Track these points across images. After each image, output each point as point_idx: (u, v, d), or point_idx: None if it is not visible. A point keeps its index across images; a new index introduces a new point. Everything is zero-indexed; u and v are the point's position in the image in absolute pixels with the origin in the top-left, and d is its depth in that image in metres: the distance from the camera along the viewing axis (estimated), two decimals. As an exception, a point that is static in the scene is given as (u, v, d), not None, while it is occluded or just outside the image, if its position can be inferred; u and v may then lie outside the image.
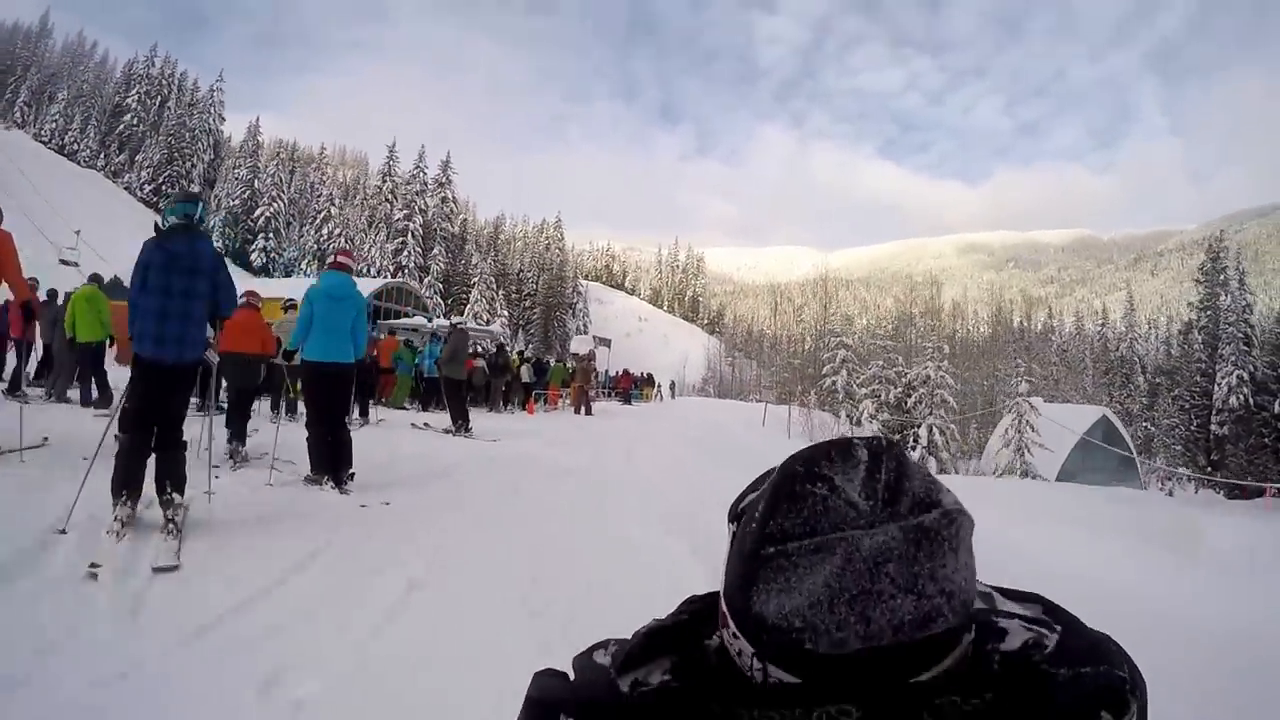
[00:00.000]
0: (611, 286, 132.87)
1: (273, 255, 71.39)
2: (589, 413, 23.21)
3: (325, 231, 72.61)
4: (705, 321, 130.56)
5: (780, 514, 0.67)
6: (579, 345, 56.43)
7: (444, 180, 79.94)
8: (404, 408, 18.05)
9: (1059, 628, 0.73)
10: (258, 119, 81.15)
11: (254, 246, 69.97)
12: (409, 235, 73.88)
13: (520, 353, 30.00)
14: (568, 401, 25.75)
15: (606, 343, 51.39)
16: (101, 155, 76.50)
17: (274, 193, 72.83)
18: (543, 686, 0.82)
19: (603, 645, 0.87)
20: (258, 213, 71.28)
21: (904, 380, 28.59)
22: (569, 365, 29.49)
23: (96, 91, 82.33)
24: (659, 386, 52.13)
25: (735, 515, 0.77)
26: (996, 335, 63.55)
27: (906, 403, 27.85)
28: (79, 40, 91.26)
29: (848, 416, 28.10)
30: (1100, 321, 69.44)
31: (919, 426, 26.43)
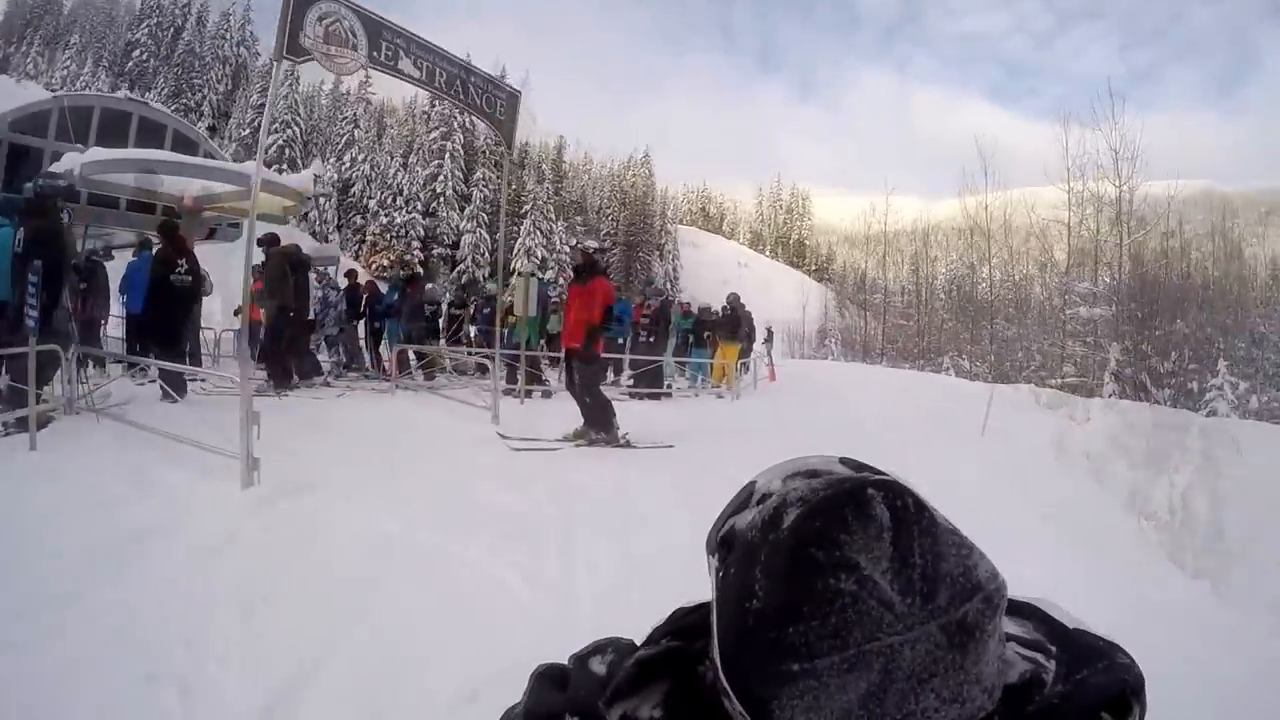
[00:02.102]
0: (709, 230, 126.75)
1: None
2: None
3: (347, 159, 69.07)
4: (812, 267, 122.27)
5: (802, 619, 0.63)
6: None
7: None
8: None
9: (1055, 647, 0.75)
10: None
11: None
12: (446, 157, 69.62)
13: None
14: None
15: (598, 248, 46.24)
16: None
17: (287, 117, 68.62)
18: (540, 699, 0.86)
19: (600, 650, 0.90)
20: (269, 141, 67.25)
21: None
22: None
23: (108, 31, 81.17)
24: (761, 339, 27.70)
25: (719, 545, 0.74)
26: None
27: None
28: None
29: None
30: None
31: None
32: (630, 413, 9.99)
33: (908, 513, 0.66)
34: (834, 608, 0.62)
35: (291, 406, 10.02)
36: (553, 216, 71.70)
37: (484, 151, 69.13)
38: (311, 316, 13.69)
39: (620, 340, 16.73)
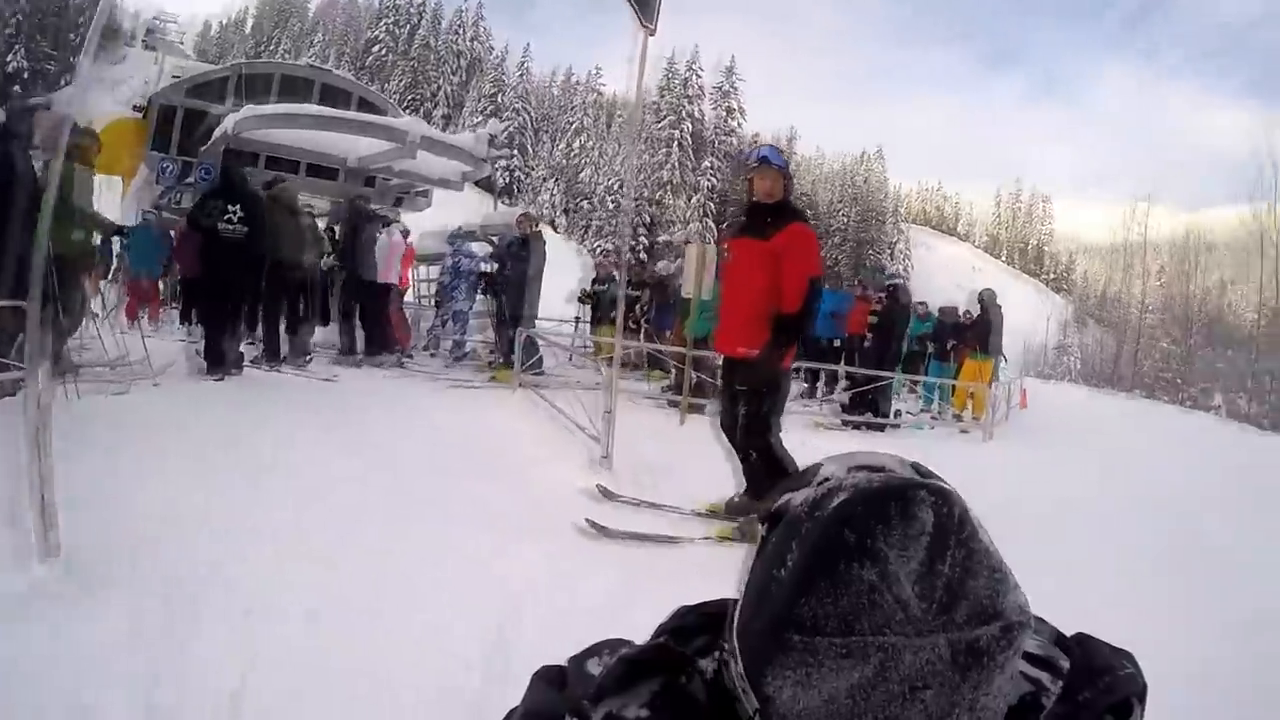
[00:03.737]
0: (943, 232, 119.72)
1: (517, 174, 71.32)
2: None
3: (575, 146, 71.45)
4: (1050, 277, 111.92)
5: (816, 594, 0.64)
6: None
7: (728, 89, 73.75)
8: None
9: (1065, 662, 0.75)
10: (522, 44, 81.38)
11: (496, 165, 68.29)
12: (674, 145, 69.22)
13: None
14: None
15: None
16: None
17: (517, 105, 72.82)
18: (538, 701, 0.87)
19: (597, 652, 0.89)
20: (500, 128, 69.21)
21: None
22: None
23: (349, 30, 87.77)
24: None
25: (770, 516, 0.76)
26: None
27: None
28: None
29: None
30: None
31: None
32: (833, 452, 6.28)
33: (951, 521, 0.67)
34: (849, 592, 0.62)
35: (328, 396, 8.61)
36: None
37: (713, 142, 69.46)
38: (391, 281, 11.83)
39: (833, 341, 13.21)
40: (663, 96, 71.14)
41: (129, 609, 3.13)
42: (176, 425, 5.97)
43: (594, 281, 15.18)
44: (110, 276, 15.60)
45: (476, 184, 60.80)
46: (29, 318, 3.85)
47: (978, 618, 0.63)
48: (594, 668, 0.84)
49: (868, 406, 11.21)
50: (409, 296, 16.27)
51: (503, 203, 58.82)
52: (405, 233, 14.94)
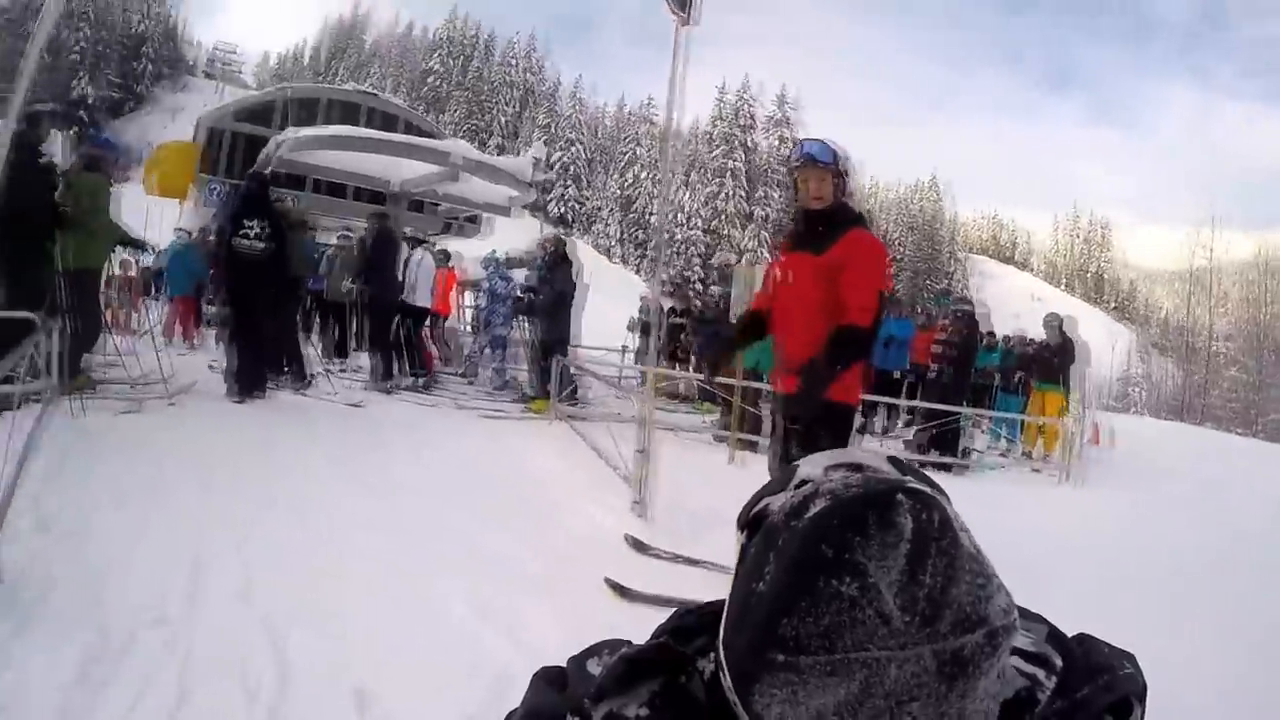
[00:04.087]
0: (1000, 260, 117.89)
1: (572, 204, 72.18)
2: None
3: (630, 176, 72.02)
4: (1112, 305, 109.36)
5: (797, 613, 0.63)
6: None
7: (781, 118, 73.42)
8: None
9: (1060, 659, 0.76)
10: (575, 76, 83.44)
11: (551, 196, 69.11)
12: (727, 176, 69.21)
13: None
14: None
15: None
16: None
17: (571, 135, 73.55)
18: (539, 701, 0.86)
19: (597, 652, 0.90)
20: (554, 159, 70.55)
21: None
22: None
23: (405, 60, 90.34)
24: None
25: (748, 522, 0.75)
26: None
27: None
28: (394, 20, 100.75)
29: None
30: None
31: None
32: None
33: (931, 527, 0.66)
34: (830, 609, 0.62)
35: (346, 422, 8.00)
36: (839, 240, 68.77)
37: (766, 170, 68.84)
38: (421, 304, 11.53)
39: (897, 374, 12.21)
40: (716, 126, 71.76)
41: (58, 642, 2.91)
42: (171, 449, 5.67)
43: (642, 310, 14.78)
44: (152, 294, 15.64)
45: (530, 213, 62.04)
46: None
47: (961, 626, 0.63)
48: (594, 667, 0.84)
49: (935, 444, 10.26)
50: (453, 321, 15.99)
51: (560, 233, 59.34)
52: (445, 255, 14.61)
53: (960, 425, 10.49)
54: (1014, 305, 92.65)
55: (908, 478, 0.72)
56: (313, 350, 10.54)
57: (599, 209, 72.06)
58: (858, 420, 11.71)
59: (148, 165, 26.12)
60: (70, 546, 3.77)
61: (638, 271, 62.36)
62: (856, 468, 0.74)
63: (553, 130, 75.06)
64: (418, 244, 12.04)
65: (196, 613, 3.23)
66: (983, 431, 12.46)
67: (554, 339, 10.33)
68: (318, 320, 14.03)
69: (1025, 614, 0.77)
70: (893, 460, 0.77)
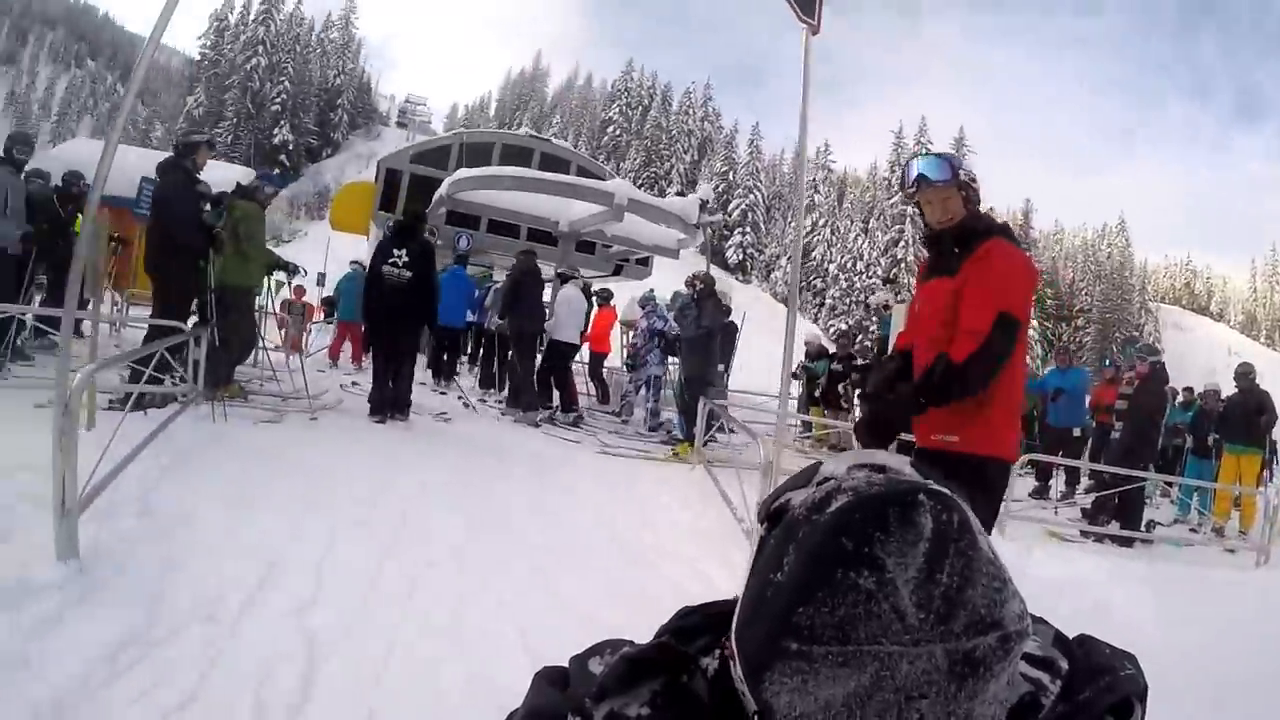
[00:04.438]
0: (1194, 310, 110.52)
1: (750, 251, 72.67)
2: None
3: (808, 223, 70.54)
4: None
5: (813, 603, 0.64)
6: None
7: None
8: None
9: (1064, 662, 0.77)
10: (750, 125, 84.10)
11: (729, 243, 69.24)
12: (907, 221, 67.53)
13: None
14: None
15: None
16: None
17: (749, 182, 74.00)
18: (540, 700, 0.85)
19: (599, 651, 0.89)
20: (732, 206, 70.67)
21: None
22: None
23: (584, 111, 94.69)
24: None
25: (770, 515, 0.76)
26: None
27: None
28: (573, 72, 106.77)
29: None
30: None
31: None
32: (1069, 581, 5.35)
33: (951, 528, 0.66)
34: (846, 600, 0.62)
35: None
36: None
37: None
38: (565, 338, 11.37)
39: (1077, 432, 11.05)
40: (893, 170, 70.25)
41: (106, 619, 3.02)
42: (293, 460, 5.81)
43: (806, 356, 14.39)
44: (326, 319, 16.49)
45: (713, 260, 62.15)
46: (63, 328, 3.95)
47: (975, 628, 0.63)
48: (596, 667, 0.84)
49: (1115, 513, 8.99)
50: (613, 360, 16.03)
51: (735, 278, 59.62)
52: (606, 294, 14.68)
53: (1144, 493, 9.22)
54: (1208, 359, 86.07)
55: (930, 481, 0.72)
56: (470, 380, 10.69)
57: (776, 257, 71.86)
58: (1028, 483, 11.10)
59: (333, 203, 28.03)
60: (160, 535, 3.91)
61: (815, 320, 61.64)
62: (879, 468, 0.74)
63: (730, 178, 75.96)
64: (565, 280, 11.98)
65: (246, 619, 3.25)
66: (1171, 501, 11.17)
67: (696, 377, 10.04)
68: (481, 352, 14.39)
69: (1032, 617, 0.74)
70: (915, 465, 0.76)
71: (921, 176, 3.33)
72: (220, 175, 9.81)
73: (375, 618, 3.48)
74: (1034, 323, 52.98)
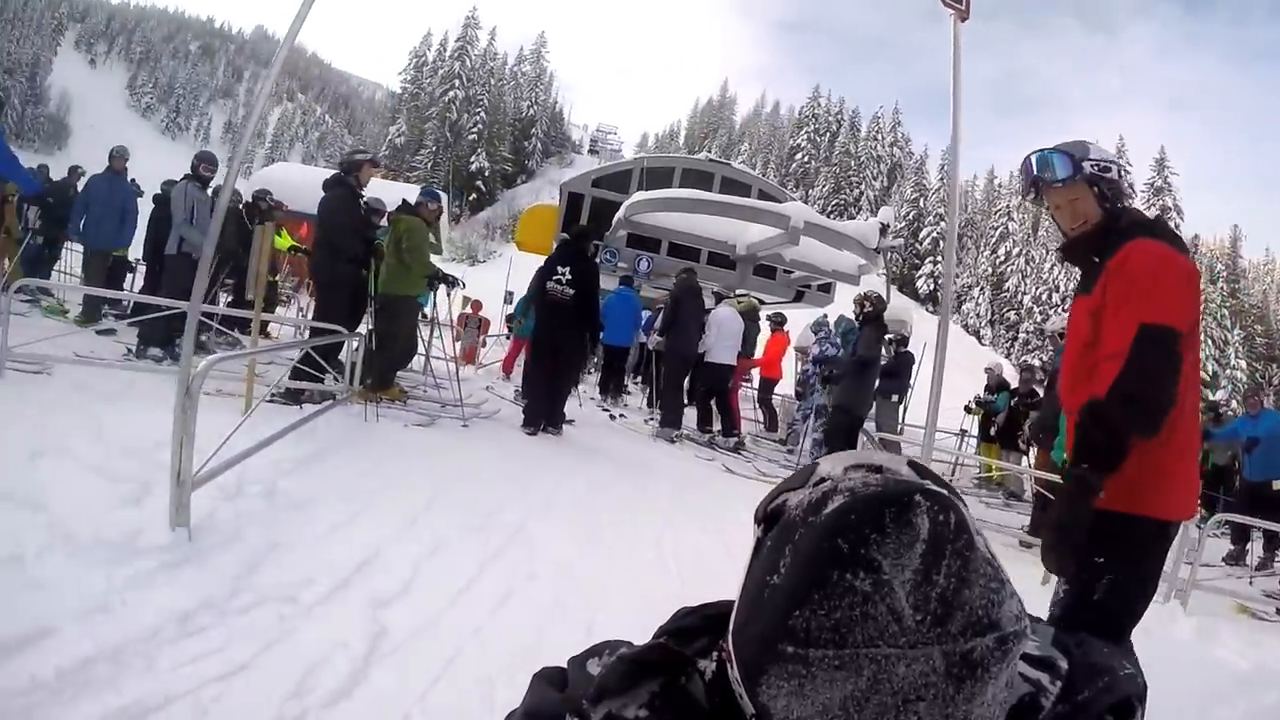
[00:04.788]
0: None
1: (941, 281, 68.06)
2: None
3: (1001, 252, 69.18)
4: None
5: (810, 605, 0.63)
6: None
7: (1160, 184, 68.00)
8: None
9: (1064, 662, 0.76)
10: (940, 150, 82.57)
11: (920, 272, 67.66)
12: None
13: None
14: None
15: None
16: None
17: (940, 210, 71.94)
18: (539, 701, 0.84)
19: (597, 653, 0.89)
20: (923, 235, 68.78)
21: None
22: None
23: (773, 139, 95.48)
24: None
25: (766, 517, 0.76)
26: None
27: None
28: (761, 99, 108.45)
29: None
30: None
31: None
32: (1259, 669, 4.51)
33: (947, 529, 0.65)
34: (842, 603, 0.62)
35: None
36: (1228, 324, 57.91)
37: None
38: (722, 360, 10.95)
39: (1277, 485, 9.31)
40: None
41: (190, 585, 3.20)
42: (431, 462, 5.90)
43: (985, 389, 13.41)
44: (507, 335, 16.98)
45: (902, 290, 60.66)
46: (189, 318, 4.08)
47: (973, 629, 0.62)
48: (594, 668, 0.84)
49: None
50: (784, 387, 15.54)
51: (925, 309, 57.93)
52: (770, 317, 14.25)
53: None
54: None
55: (926, 481, 0.71)
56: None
57: (969, 287, 69.26)
58: (1221, 545, 9.80)
59: (519, 225, 29.11)
60: (275, 517, 4.07)
61: (1008, 355, 58.59)
62: (876, 469, 0.73)
63: (920, 204, 74.34)
64: (720, 299, 11.81)
65: (325, 605, 3.29)
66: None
67: (847, 406, 9.42)
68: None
69: (1031, 618, 0.74)
70: (912, 465, 0.75)
71: (1039, 179, 2.78)
72: (398, 193, 10.34)
73: (452, 623, 3.41)
74: (1240, 363, 48.03)
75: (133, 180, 10.69)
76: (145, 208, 10.50)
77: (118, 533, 3.38)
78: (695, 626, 0.84)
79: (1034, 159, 2.77)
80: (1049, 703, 0.71)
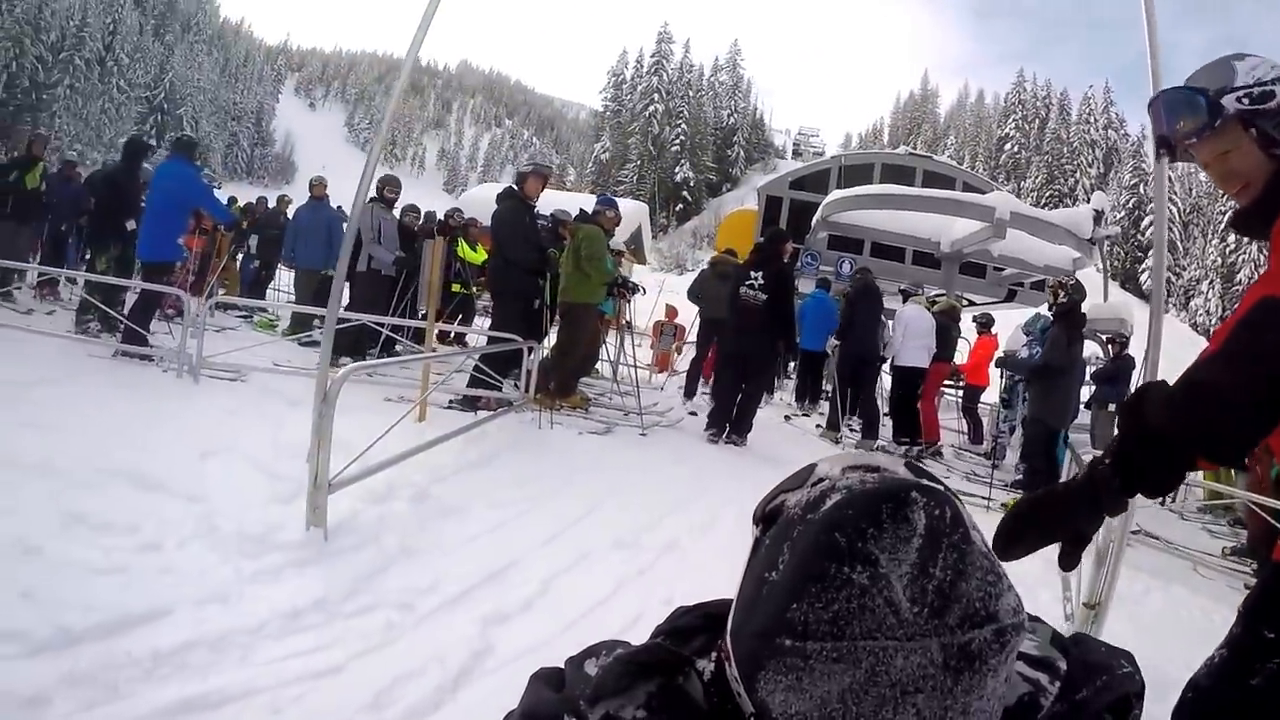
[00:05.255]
0: None
1: (1167, 275, 63.98)
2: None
3: (1231, 240, 63.13)
4: None
5: (807, 598, 0.63)
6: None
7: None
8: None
9: (1063, 662, 0.76)
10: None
11: (1143, 266, 64.84)
12: None
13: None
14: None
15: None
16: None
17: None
18: (536, 701, 0.83)
19: (595, 653, 0.87)
20: (1144, 223, 65.61)
21: None
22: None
23: (979, 130, 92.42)
24: None
25: (764, 517, 0.76)
26: None
27: None
28: (964, 90, 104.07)
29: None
30: None
31: None
32: None
33: (943, 523, 0.66)
34: (840, 596, 0.62)
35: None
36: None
37: None
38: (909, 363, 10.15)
39: None
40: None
41: (311, 583, 3.29)
42: (599, 470, 5.81)
43: None
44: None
45: (1124, 287, 57.08)
46: (326, 324, 4.22)
47: (970, 621, 0.62)
48: (591, 668, 0.82)
49: None
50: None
51: (1148, 304, 54.15)
52: (976, 318, 12.85)
53: None
54: None
55: (923, 478, 0.71)
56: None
57: (1196, 281, 63.76)
58: None
59: (718, 231, 29.16)
60: (417, 522, 4.10)
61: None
62: (873, 469, 0.72)
63: (1140, 191, 69.28)
64: (907, 297, 10.78)
65: (438, 615, 3.27)
66: None
67: (1039, 416, 8.20)
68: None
69: (1030, 617, 0.74)
70: (910, 466, 0.74)
71: (1171, 133, 1.77)
72: (578, 203, 10.48)
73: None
74: None
75: (338, 206, 11.53)
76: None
77: (258, 528, 3.52)
78: (693, 626, 0.84)
79: (1162, 105, 1.77)
80: (1048, 702, 0.71)
